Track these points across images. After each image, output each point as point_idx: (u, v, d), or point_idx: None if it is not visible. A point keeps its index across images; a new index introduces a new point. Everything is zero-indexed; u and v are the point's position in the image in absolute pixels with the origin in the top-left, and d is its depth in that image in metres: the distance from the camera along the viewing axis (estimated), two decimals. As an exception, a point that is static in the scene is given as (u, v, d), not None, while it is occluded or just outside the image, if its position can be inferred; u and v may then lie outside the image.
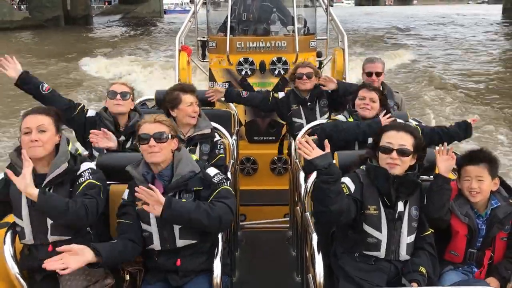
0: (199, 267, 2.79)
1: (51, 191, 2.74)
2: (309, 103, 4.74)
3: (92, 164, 2.91)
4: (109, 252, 2.54)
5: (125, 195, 2.84)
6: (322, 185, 2.59)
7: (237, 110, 5.27)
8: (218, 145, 3.79)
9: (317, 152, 2.63)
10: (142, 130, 2.80)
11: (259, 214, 5.58)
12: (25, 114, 2.83)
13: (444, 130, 3.98)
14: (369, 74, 4.68)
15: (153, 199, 2.57)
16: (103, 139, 3.43)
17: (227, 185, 2.81)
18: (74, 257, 2.40)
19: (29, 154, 2.70)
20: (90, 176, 2.80)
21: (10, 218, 3.22)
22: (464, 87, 15.76)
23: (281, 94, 4.93)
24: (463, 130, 3.97)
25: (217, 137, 3.86)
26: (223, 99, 4.90)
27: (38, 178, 2.73)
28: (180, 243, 2.75)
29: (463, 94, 14.35)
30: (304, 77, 4.70)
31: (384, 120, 3.76)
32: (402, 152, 2.74)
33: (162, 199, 2.58)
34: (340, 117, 4.02)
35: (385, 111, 3.88)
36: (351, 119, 3.94)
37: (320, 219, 2.80)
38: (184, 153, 2.88)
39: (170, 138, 2.80)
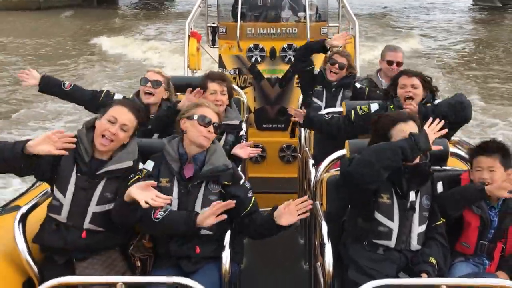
0: (210, 254, 2.80)
1: (104, 181, 2.71)
2: (333, 89, 4.61)
3: (150, 167, 2.85)
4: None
5: (150, 167, 2.82)
6: (403, 154, 2.60)
7: (246, 97, 5.24)
8: (242, 140, 3.78)
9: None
10: (204, 112, 2.86)
11: (267, 202, 5.53)
12: (119, 102, 2.83)
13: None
14: (390, 63, 4.47)
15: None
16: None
17: (253, 197, 2.90)
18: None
19: (98, 146, 2.69)
20: (141, 175, 2.77)
21: (21, 202, 3.24)
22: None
23: (316, 70, 4.72)
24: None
25: (243, 132, 3.86)
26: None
27: (93, 162, 2.71)
28: (202, 231, 2.75)
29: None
30: (337, 65, 4.54)
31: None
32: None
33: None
34: (373, 106, 3.82)
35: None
36: (392, 107, 3.69)
37: (357, 176, 2.66)
38: (219, 145, 2.96)
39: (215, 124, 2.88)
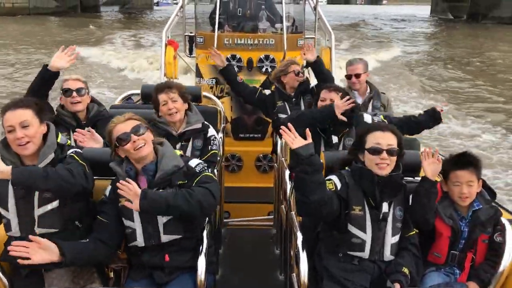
0: (184, 264, 2.78)
1: None
2: (294, 99, 4.80)
3: (79, 150, 2.86)
4: (75, 254, 2.53)
5: (107, 192, 2.81)
6: (303, 175, 2.62)
7: (223, 107, 5.25)
8: (211, 141, 3.75)
9: (300, 141, 2.66)
10: (118, 131, 2.75)
11: (243, 212, 5.57)
12: (3, 110, 2.73)
13: (411, 119, 4.02)
14: (349, 77, 4.78)
15: (132, 193, 2.56)
16: (89, 139, 3.36)
17: (208, 172, 2.81)
18: (40, 252, 2.41)
19: (21, 153, 2.67)
20: (74, 155, 2.77)
21: None
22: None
23: (267, 91, 5.01)
24: (431, 117, 4.01)
25: (211, 133, 3.81)
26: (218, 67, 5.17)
27: None
28: (164, 238, 2.74)
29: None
30: (301, 74, 4.85)
31: (340, 104, 3.70)
32: (391, 152, 2.77)
33: (139, 191, 2.57)
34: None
35: (347, 97, 3.77)
36: None
37: (301, 211, 2.79)
38: (168, 148, 2.86)
39: (147, 129, 2.79)
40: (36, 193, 2.69)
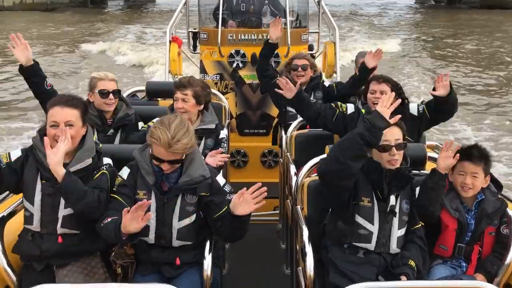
0: (192, 259, 2.79)
1: None
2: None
3: (110, 161, 2.85)
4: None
5: (125, 175, 2.76)
6: (361, 141, 2.58)
7: (228, 103, 5.25)
8: (222, 143, 3.75)
9: (387, 112, 2.65)
10: (158, 152, 2.66)
11: None
12: (52, 104, 2.73)
13: (426, 105, 3.89)
14: None
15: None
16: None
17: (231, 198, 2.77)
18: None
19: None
20: (106, 171, 2.76)
21: None
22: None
23: None
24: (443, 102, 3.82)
25: (222, 135, 3.81)
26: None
27: None
28: (176, 243, 2.75)
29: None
30: (300, 68, 4.69)
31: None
32: (399, 147, 2.77)
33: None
34: (349, 106, 3.93)
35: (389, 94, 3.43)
36: (363, 111, 3.81)
37: (330, 170, 2.70)
38: (197, 154, 2.82)
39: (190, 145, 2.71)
40: None
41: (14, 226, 2.82)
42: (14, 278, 2.69)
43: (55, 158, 2.54)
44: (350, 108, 3.93)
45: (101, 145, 2.94)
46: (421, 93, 12.61)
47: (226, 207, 2.63)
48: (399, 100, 2.76)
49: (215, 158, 3.41)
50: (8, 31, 21.18)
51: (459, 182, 2.91)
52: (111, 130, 3.68)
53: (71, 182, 2.58)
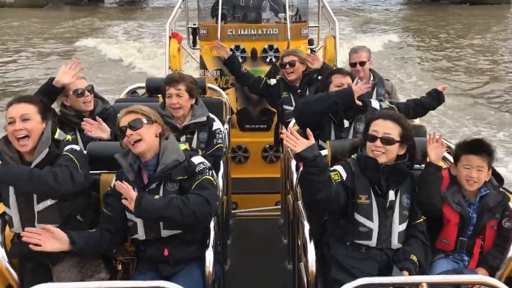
0: (189, 255, 2.79)
1: None
2: (299, 90, 4.75)
3: (77, 147, 2.86)
4: (84, 243, 2.57)
5: (113, 184, 2.81)
6: (308, 176, 2.63)
7: (228, 98, 5.24)
8: (217, 134, 3.72)
9: (303, 143, 2.65)
10: (119, 124, 2.79)
11: (250, 202, 5.57)
12: (9, 104, 2.78)
13: (416, 102, 4.13)
14: (353, 65, 4.71)
15: (128, 196, 2.60)
16: (97, 128, 3.37)
17: (209, 175, 2.77)
18: (51, 240, 2.48)
19: (19, 149, 2.69)
20: (69, 153, 2.77)
21: None
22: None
23: (273, 81, 4.97)
24: (435, 99, 4.15)
25: (216, 126, 3.78)
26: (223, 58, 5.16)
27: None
28: (164, 233, 2.74)
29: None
30: (287, 66, 4.75)
31: (358, 88, 3.64)
32: (386, 141, 2.75)
33: (134, 195, 2.59)
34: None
35: (364, 80, 3.86)
36: None
37: (309, 208, 2.86)
38: (171, 141, 2.84)
39: (147, 123, 2.76)
40: None
41: (10, 232, 2.83)
42: (16, 277, 2.70)
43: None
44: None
45: (68, 137, 2.92)
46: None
47: (199, 180, 2.72)
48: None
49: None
50: (10, 28, 21.27)
51: (464, 175, 2.90)
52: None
53: (8, 169, 2.60)
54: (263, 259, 4.52)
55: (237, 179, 5.41)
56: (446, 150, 3.64)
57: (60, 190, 2.64)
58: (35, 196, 2.71)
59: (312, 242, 2.77)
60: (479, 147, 2.92)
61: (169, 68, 6.19)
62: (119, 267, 2.77)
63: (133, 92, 5.50)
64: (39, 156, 2.72)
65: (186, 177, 2.75)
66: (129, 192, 2.62)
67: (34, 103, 2.76)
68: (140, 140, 2.72)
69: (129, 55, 16.72)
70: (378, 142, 2.75)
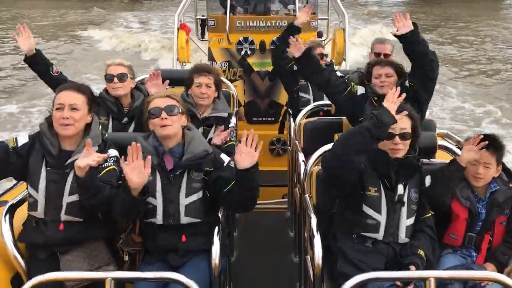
0: (199, 247, 2.79)
1: (73, 171, 2.68)
2: None
3: (116, 153, 2.84)
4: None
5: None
6: (368, 135, 2.59)
7: (236, 91, 5.22)
8: (232, 132, 3.73)
9: (393, 108, 2.64)
10: (153, 105, 2.79)
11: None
12: (59, 89, 2.80)
13: None
14: (378, 55, 4.52)
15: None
16: (155, 85, 3.55)
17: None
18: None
19: (60, 132, 2.70)
20: (115, 164, 2.76)
21: (8, 197, 3.21)
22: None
23: (295, 67, 4.82)
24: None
25: (232, 124, 3.83)
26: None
27: (62, 155, 2.72)
28: (184, 220, 2.74)
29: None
30: (324, 57, 4.69)
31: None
32: (404, 136, 2.74)
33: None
34: (359, 88, 3.88)
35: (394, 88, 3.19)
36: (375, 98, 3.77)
37: (334, 165, 2.71)
38: (196, 133, 2.91)
39: (180, 112, 2.79)
40: (69, 181, 2.71)
41: (22, 215, 2.83)
42: (23, 265, 2.71)
43: (86, 161, 2.52)
44: (361, 90, 3.89)
45: (106, 134, 2.95)
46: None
47: (234, 181, 2.67)
48: (404, 95, 2.73)
49: (219, 137, 3.46)
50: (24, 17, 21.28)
51: (471, 171, 2.87)
52: (126, 118, 3.68)
53: (92, 177, 2.58)
54: (269, 251, 4.53)
55: None
56: (456, 145, 3.63)
57: (103, 210, 2.67)
58: (68, 187, 2.70)
59: (318, 234, 2.76)
60: (489, 143, 2.87)
61: (177, 59, 6.18)
62: (126, 258, 2.77)
63: (141, 82, 5.50)
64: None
65: (212, 169, 2.78)
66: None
67: (85, 94, 2.77)
68: (171, 125, 2.74)
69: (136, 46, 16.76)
70: (397, 139, 2.73)
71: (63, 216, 2.71)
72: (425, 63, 3.67)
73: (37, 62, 3.80)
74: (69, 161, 2.70)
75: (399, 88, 2.75)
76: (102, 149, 2.79)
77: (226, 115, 3.79)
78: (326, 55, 4.78)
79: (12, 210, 2.79)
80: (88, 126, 2.79)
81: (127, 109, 3.71)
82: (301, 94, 4.71)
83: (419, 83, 3.71)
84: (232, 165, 2.76)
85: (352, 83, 3.96)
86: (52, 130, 2.74)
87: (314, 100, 4.55)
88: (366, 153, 2.68)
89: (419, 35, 3.64)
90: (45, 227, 2.72)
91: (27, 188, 2.80)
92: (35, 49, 3.77)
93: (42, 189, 2.71)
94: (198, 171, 2.76)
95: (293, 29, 4.76)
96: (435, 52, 3.76)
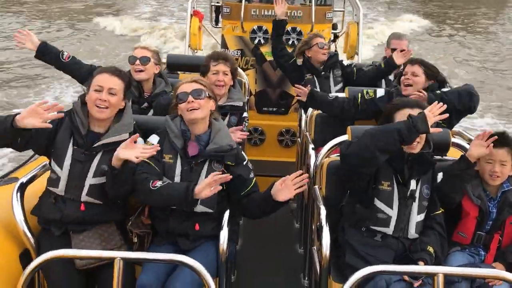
0: (209, 232, 2.79)
1: (100, 154, 2.70)
2: (323, 72, 4.69)
3: (143, 141, 2.82)
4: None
5: (155, 141, 2.77)
6: (399, 136, 2.57)
7: (248, 79, 5.20)
8: (244, 122, 3.74)
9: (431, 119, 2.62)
10: (180, 90, 2.80)
11: (264, 185, 5.55)
12: (100, 70, 2.81)
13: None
14: (392, 51, 4.55)
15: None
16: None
17: (254, 176, 2.86)
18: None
19: (94, 114, 2.70)
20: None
21: (19, 174, 3.22)
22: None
23: (299, 62, 4.82)
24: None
25: (246, 114, 3.81)
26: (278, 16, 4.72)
27: (90, 135, 2.72)
28: (199, 208, 2.73)
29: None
30: (325, 47, 4.67)
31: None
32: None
33: None
34: (379, 91, 3.86)
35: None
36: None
37: (353, 159, 2.69)
38: (223, 124, 2.91)
39: (207, 96, 2.79)
40: (95, 162, 2.71)
41: (34, 191, 2.84)
42: (33, 241, 2.72)
43: (126, 154, 2.54)
44: (380, 92, 3.86)
45: (135, 122, 2.93)
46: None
47: (252, 184, 2.78)
48: (446, 115, 2.68)
49: (234, 135, 3.41)
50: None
51: (487, 170, 2.84)
52: (145, 104, 3.68)
53: (125, 170, 2.58)
54: (274, 241, 4.53)
55: (251, 161, 5.37)
56: (468, 143, 3.60)
57: (123, 195, 2.70)
58: (93, 168, 2.70)
59: (327, 226, 2.76)
60: (502, 141, 2.85)
61: (189, 46, 6.16)
62: (135, 239, 2.78)
63: None
64: (117, 137, 2.71)
65: (234, 164, 2.78)
66: None
67: (124, 79, 2.78)
68: (198, 109, 2.74)
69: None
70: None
71: (84, 197, 2.71)
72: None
73: (45, 53, 3.85)
74: (98, 143, 2.70)
75: (445, 105, 2.67)
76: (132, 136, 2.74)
77: (241, 104, 3.76)
78: (326, 44, 4.70)
79: (23, 187, 2.80)
80: (121, 112, 2.79)
81: (147, 95, 3.71)
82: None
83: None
84: (250, 167, 2.85)
85: (365, 91, 3.88)
86: (85, 109, 2.74)
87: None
88: (390, 153, 2.64)
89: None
90: (64, 205, 2.72)
91: (49, 164, 2.79)
92: (41, 41, 3.84)
93: (66, 167, 2.70)
94: (219, 163, 2.76)
95: (278, 25, 4.74)
96: (472, 90, 3.73)
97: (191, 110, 2.73)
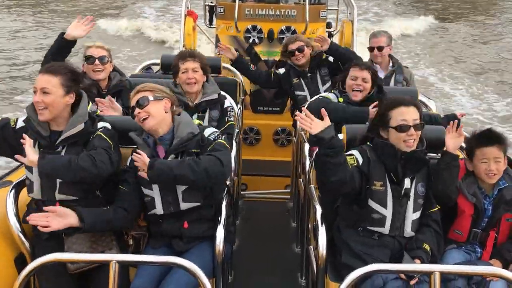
0: (203, 233, 2.79)
1: (64, 150, 2.71)
2: (309, 74, 4.69)
3: (108, 125, 2.85)
4: (93, 220, 2.56)
5: (128, 161, 2.81)
6: (324, 158, 2.60)
7: (243, 79, 5.20)
8: (228, 112, 3.74)
9: (318, 125, 2.62)
10: (130, 103, 2.82)
11: (260, 184, 5.57)
12: (39, 71, 2.78)
13: (432, 120, 3.72)
14: (371, 49, 4.65)
15: (142, 163, 2.62)
16: (108, 107, 3.33)
17: (221, 139, 2.80)
18: (57, 219, 2.49)
19: (39, 117, 2.69)
20: (102, 133, 2.77)
21: (13, 177, 3.20)
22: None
23: (281, 70, 4.85)
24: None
25: (228, 104, 3.80)
26: (230, 60, 4.85)
27: (52, 135, 2.72)
28: (183, 206, 2.74)
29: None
30: (296, 52, 4.65)
31: (373, 112, 3.48)
32: (417, 127, 2.73)
33: (147, 160, 2.61)
34: (331, 96, 3.90)
35: (376, 103, 3.54)
36: (341, 100, 3.83)
37: (323, 190, 2.83)
38: (184, 116, 2.88)
39: (153, 99, 2.76)
40: None
41: (26, 196, 2.83)
42: (27, 245, 2.70)
43: (30, 157, 2.59)
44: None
45: (98, 111, 2.95)
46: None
47: (212, 145, 2.76)
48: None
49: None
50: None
51: (483, 169, 2.83)
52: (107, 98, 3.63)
53: (47, 162, 2.59)
54: (270, 241, 4.53)
55: (247, 160, 5.40)
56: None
57: (101, 174, 2.65)
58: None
59: (323, 225, 2.75)
60: (491, 138, 2.86)
61: (183, 46, 6.15)
62: (130, 241, 2.77)
63: (147, 68, 5.47)
64: (72, 129, 2.71)
65: (199, 150, 2.76)
66: (144, 159, 2.62)
67: (60, 75, 2.71)
68: (148, 117, 2.73)
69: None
70: (412, 130, 2.71)
71: (57, 195, 2.71)
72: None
73: (68, 49, 3.71)
74: (58, 140, 2.71)
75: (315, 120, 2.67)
76: (89, 125, 2.76)
77: (216, 96, 3.76)
78: (304, 46, 4.65)
79: (17, 190, 2.78)
80: (76, 105, 2.76)
81: (105, 91, 3.70)
82: (297, 92, 4.72)
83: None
84: (212, 138, 2.78)
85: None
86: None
87: (311, 96, 4.54)
88: (339, 167, 2.62)
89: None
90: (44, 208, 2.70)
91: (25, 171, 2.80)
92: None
93: (35, 170, 2.70)
94: (189, 155, 2.74)
95: (240, 62, 4.87)
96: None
97: (143, 121, 2.73)
